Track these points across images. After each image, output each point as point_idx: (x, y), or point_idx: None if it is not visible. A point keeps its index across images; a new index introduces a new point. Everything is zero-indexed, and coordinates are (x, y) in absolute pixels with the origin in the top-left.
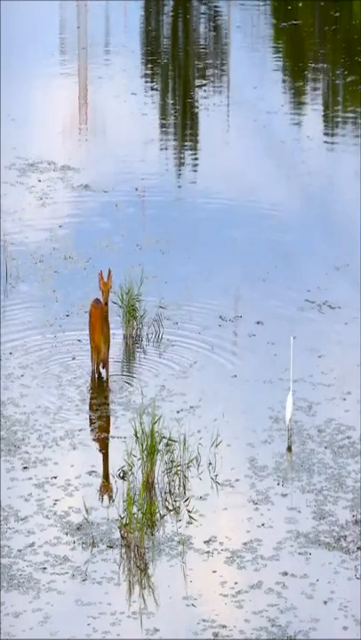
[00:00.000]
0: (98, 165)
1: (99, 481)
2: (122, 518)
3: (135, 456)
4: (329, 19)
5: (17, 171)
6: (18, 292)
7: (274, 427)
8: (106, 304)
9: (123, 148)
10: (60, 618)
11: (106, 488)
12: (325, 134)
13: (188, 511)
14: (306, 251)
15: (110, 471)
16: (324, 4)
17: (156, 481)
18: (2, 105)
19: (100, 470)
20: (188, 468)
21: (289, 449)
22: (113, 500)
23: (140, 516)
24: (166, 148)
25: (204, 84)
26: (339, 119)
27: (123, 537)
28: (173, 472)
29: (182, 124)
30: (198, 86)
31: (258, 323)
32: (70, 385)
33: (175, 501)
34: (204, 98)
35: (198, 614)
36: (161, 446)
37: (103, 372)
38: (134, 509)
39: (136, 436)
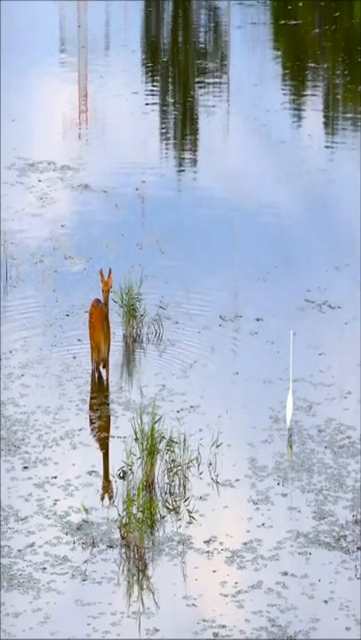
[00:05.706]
0: (98, 165)
1: (99, 481)
2: (122, 518)
3: (135, 456)
4: (329, 18)
5: (17, 171)
6: (18, 292)
7: (274, 426)
8: (106, 304)
9: (123, 148)
10: (60, 618)
11: (106, 488)
12: (325, 133)
13: (188, 511)
14: (306, 251)
15: (110, 471)
16: (324, 3)
17: (156, 481)
18: (2, 105)
19: (100, 470)
20: (188, 468)
21: (290, 447)
22: (113, 500)
23: (139, 515)
24: (167, 148)
25: (205, 84)
26: (339, 118)
27: (123, 537)
28: (173, 472)
29: (182, 124)
30: (198, 85)
31: (258, 320)
32: (70, 385)
33: (175, 501)
34: (205, 97)
35: (198, 614)
36: (161, 446)
37: (103, 371)
38: (134, 509)
39: (136, 436)
